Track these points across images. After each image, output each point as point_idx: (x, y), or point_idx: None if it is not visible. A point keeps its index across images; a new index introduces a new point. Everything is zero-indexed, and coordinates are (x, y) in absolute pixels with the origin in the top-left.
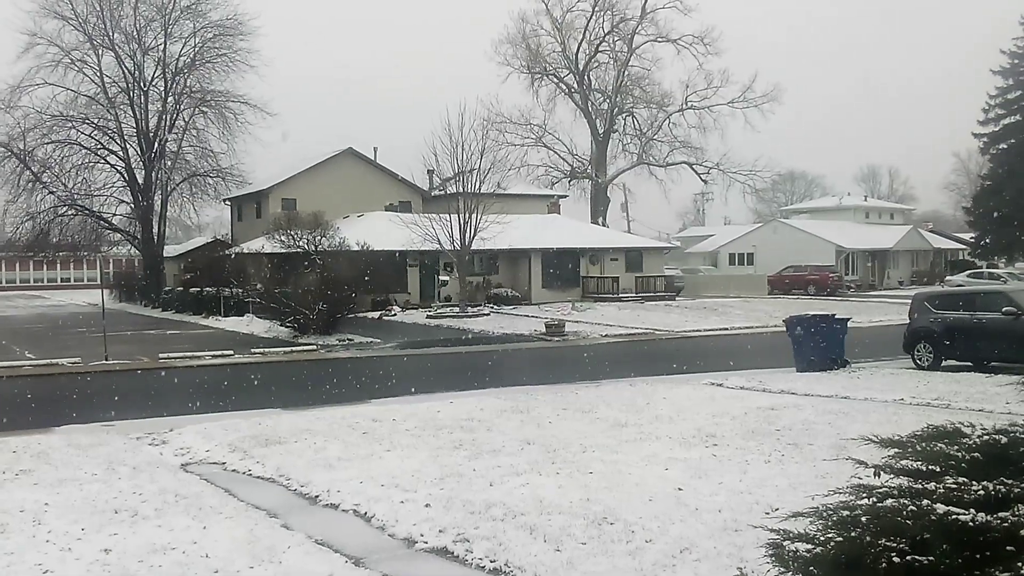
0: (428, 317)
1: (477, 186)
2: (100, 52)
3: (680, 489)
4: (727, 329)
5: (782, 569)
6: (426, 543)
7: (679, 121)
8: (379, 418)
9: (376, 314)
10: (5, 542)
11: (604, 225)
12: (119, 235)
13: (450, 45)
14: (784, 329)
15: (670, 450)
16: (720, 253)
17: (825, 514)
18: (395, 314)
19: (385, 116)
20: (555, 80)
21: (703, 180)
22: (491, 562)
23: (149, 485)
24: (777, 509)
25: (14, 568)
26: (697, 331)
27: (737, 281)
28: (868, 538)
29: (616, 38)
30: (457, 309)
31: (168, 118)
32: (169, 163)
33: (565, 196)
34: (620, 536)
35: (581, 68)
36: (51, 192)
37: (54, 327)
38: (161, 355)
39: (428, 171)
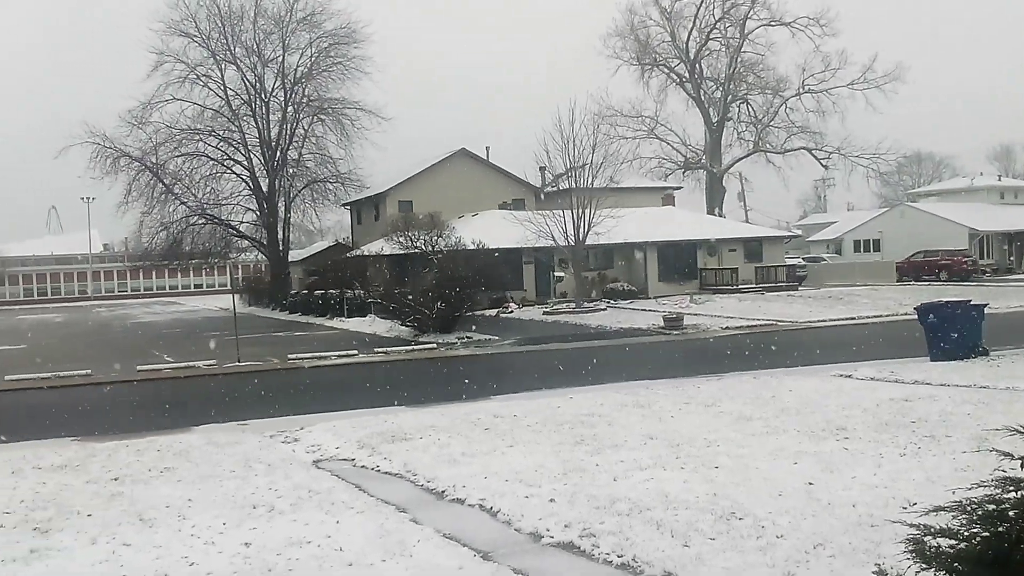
0: (545, 313)
1: (590, 181)
2: (223, 67)
3: (811, 483)
4: (854, 318)
5: (923, 566)
6: (552, 537)
7: (796, 106)
8: (500, 414)
9: (493, 312)
10: (153, 535)
11: (721, 215)
12: (247, 242)
13: (559, 41)
14: (915, 317)
15: (799, 443)
16: (844, 240)
17: (969, 508)
18: (512, 311)
19: (497, 115)
20: (666, 70)
21: (824, 165)
22: (618, 557)
23: (284, 481)
24: (915, 504)
25: (162, 560)
26: (822, 321)
27: (863, 268)
28: (1017, 533)
29: (727, 24)
30: (573, 305)
31: (288, 127)
32: (291, 171)
33: (679, 188)
34: (750, 531)
35: (692, 57)
36: (183, 203)
37: (189, 331)
38: (290, 356)
39: (540, 168)
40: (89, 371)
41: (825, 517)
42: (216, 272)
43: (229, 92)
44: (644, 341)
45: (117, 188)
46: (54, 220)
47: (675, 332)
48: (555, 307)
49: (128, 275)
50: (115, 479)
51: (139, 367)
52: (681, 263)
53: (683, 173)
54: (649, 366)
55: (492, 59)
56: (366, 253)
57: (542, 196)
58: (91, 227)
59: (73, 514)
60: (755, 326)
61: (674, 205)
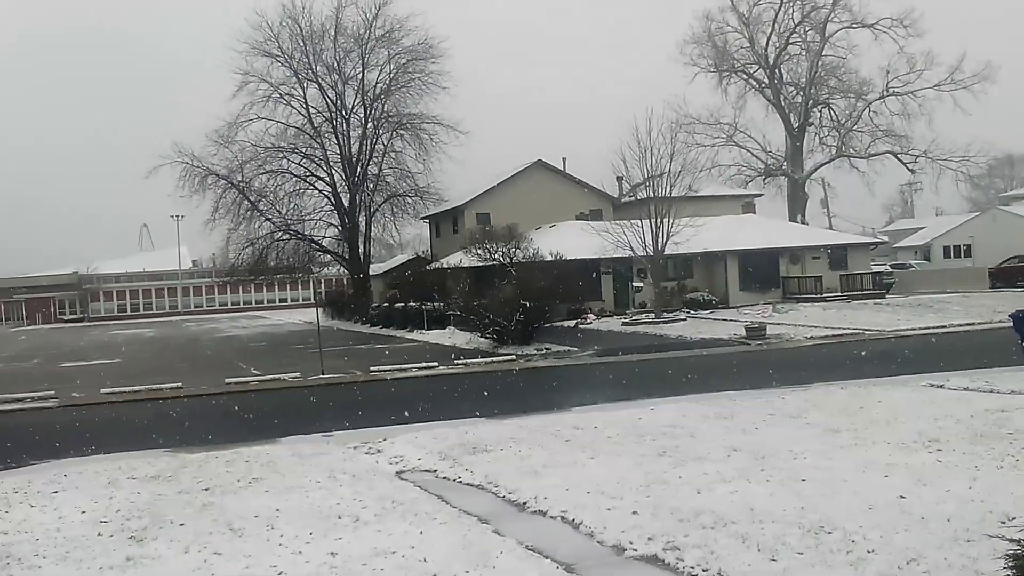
0: (623, 324)
1: (668, 190)
2: (305, 85)
3: (903, 497)
4: (944, 327)
5: None
6: (635, 550)
7: (880, 109)
8: (581, 426)
9: (572, 323)
10: (243, 545)
11: (803, 222)
12: (329, 256)
13: (635, 51)
14: (1010, 325)
15: (889, 456)
16: (933, 246)
17: None
18: (590, 322)
19: (573, 126)
20: (744, 76)
21: (910, 170)
22: (703, 571)
23: (368, 492)
24: (1014, 518)
25: (252, 569)
26: (911, 330)
27: (953, 275)
28: None
29: (807, 28)
30: (652, 315)
31: (368, 143)
32: (371, 186)
33: (760, 195)
34: (839, 546)
35: (771, 62)
36: (267, 219)
37: (274, 344)
38: (372, 368)
39: (617, 178)
40: (180, 384)
41: (918, 531)
42: (300, 286)
43: (311, 110)
44: (726, 352)
45: (205, 206)
46: (145, 238)
47: (757, 342)
48: (634, 318)
49: (216, 290)
50: (206, 489)
51: (227, 380)
52: (762, 272)
53: (763, 180)
54: (731, 377)
55: (568, 70)
56: (445, 266)
57: (619, 206)
58: (180, 244)
59: (167, 523)
60: (841, 335)
61: (754, 213)
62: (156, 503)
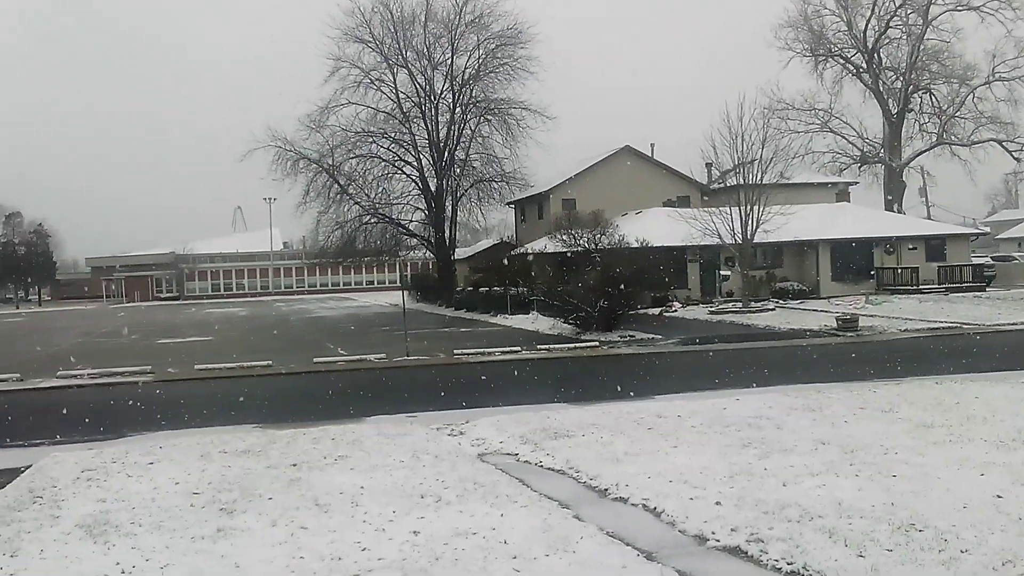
0: (710, 313)
1: (759, 177)
2: (395, 70)
3: (999, 496)
4: None
5: None
6: (718, 541)
7: (985, 95)
8: (664, 414)
9: (656, 310)
10: (328, 520)
11: (900, 212)
12: (415, 240)
13: (727, 34)
14: None
15: (986, 453)
16: None
17: None
18: (675, 310)
19: (662, 111)
20: (841, 61)
21: (1015, 158)
22: (788, 564)
23: (450, 473)
24: None
25: (336, 544)
26: (1012, 325)
27: None
28: None
29: (909, 11)
30: (740, 304)
31: (456, 128)
32: (458, 170)
33: (855, 183)
34: (931, 544)
35: (870, 46)
36: (356, 203)
37: (361, 326)
38: (456, 351)
39: (706, 164)
40: (270, 362)
41: (1015, 532)
42: (387, 269)
43: (400, 95)
44: (815, 343)
45: (296, 189)
46: (239, 219)
47: (849, 334)
48: (720, 306)
49: (305, 271)
50: (293, 465)
51: (315, 359)
52: (856, 262)
53: (859, 168)
54: (821, 369)
55: (658, 54)
56: (530, 251)
57: (708, 193)
58: (272, 226)
59: (255, 497)
60: (937, 329)
61: (849, 201)
62: (246, 477)
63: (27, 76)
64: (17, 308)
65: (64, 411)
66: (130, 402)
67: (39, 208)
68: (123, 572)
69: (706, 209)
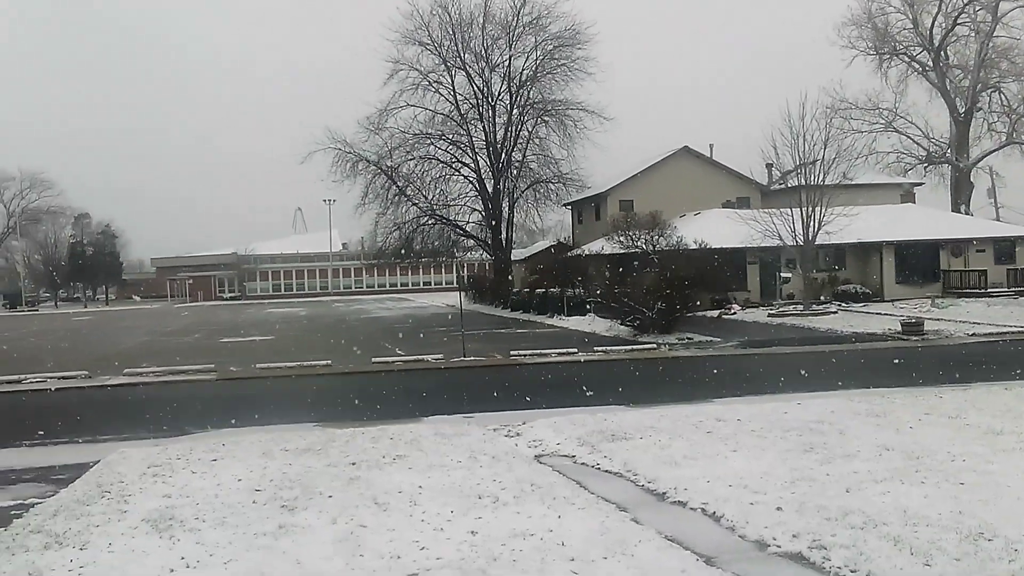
0: (769, 315)
1: (821, 177)
2: (453, 72)
3: None
4: None
5: None
6: (779, 547)
7: None
8: (723, 418)
9: (715, 313)
10: (387, 519)
11: (967, 213)
12: (472, 241)
13: (788, 34)
14: None
15: None
16: None
17: None
18: (734, 312)
19: (721, 111)
20: (906, 59)
21: None
22: (851, 572)
23: (507, 474)
24: None
25: (395, 543)
26: None
27: None
28: None
29: (978, 7)
30: (800, 307)
31: (513, 129)
32: (515, 172)
33: (920, 184)
34: (1000, 554)
35: (936, 44)
36: (414, 204)
37: (418, 326)
38: (512, 352)
39: (767, 165)
40: (329, 361)
41: None
42: (443, 270)
43: (458, 97)
44: (879, 347)
45: (355, 191)
46: (299, 221)
47: (914, 338)
48: (781, 309)
49: (364, 272)
50: (353, 464)
51: (374, 359)
52: (921, 264)
53: (924, 168)
54: (884, 373)
55: (716, 53)
56: (586, 252)
57: (768, 194)
58: (332, 227)
59: (316, 494)
60: (1007, 333)
61: (914, 202)
62: (306, 475)
63: (96, 83)
64: (85, 307)
65: (130, 408)
66: (194, 400)
67: (107, 210)
68: (188, 566)
69: (766, 210)
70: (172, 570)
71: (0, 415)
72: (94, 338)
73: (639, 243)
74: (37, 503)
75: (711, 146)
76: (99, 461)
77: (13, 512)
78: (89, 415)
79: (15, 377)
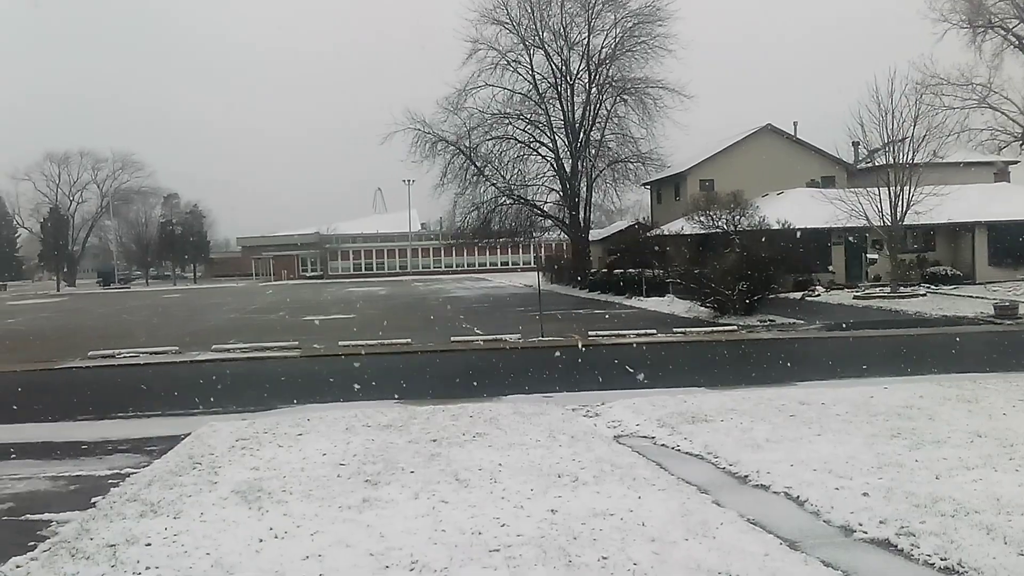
0: (855, 297)
1: (910, 156)
2: (532, 52)
3: None
4: None
5: None
6: (865, 533)
7: None
8: (806, 401)
9: (798, 294)
10: (468, 495)
11: None
12: (550, 221)
13: (875, 7)
14: None
15: None
16: None
17: None
18: (818, 294)
19: (805, 88)
20: (1001, 32)
21: None
22: (942, 560)
23: (586, 454)
24: None
25: (476, 519)
26: None
27: None
28: None
29: None
30: (887, 289)
31: (592, 108)
32: (593, 151)
33: (1015, 162)
34: None
35: None
36: (492, 184)
37: (496, 306)
38: (590, 333)
39: (853, 143)
40: (409, 340)
41: None
42: (521, 250)
43: (536, 76)
44: (970, 331)
45: (434, 171)
46: (379, 201)
47: (1008, 322)
48: (866, 291)
49: (442, 252)
50: (433, 440)
51: (452, 338)
52: (1016, 246)
53: (1020, 146)
54: (976, 358)
55: (801, 29)
56: (666, 232)
57: (854, 173)
58: (411, 207)
59: (398, 470)
60: None
61: (1008, 181)
62: (388, 450)
63: (181, 67)
64: (174, 284)
65: (218, 383)
66: (279, 376)
67: (195, 191)
68: (276, 537)
69: (852, 189)
70: (261, 540)
71: (96, 388)
72: (183, 315)
73: (720, 223)
74: (132, 473)
75: (795, 124)
76: (190, 434)
77: (110, 481)
78: (179, 389)
79: (110, 352)
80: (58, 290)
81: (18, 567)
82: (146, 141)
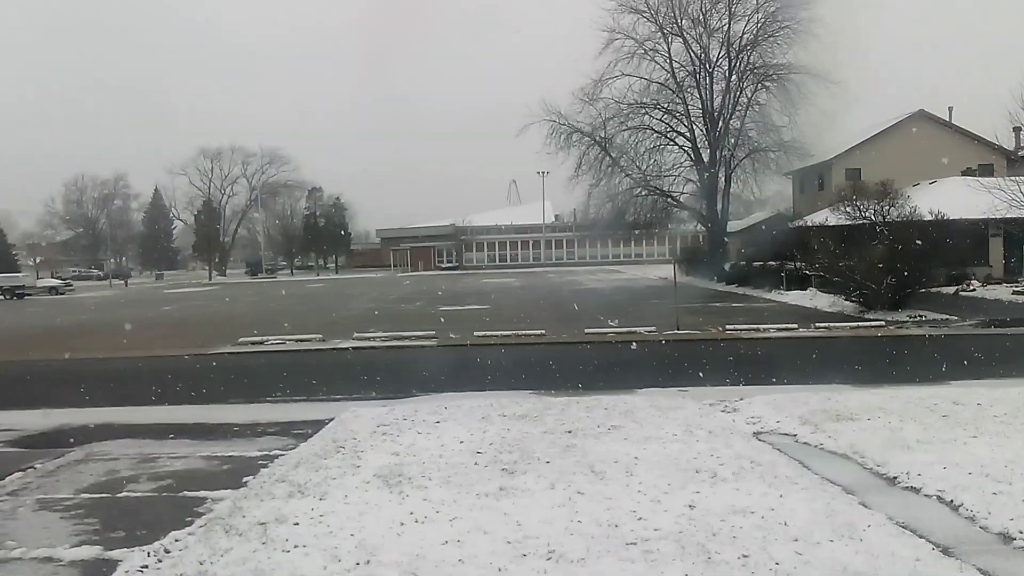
0: (1014, 293)
1: None
2: (670, 40)
3: None
4: None
5: None
6: None
7: None
8: (961, 401)
9: (951, 289)
10: (604, 487)
11: None
12: (686, 213)
13: None
14: None
15: None
16: None
17: None
18: (973, 289)
19: (960, 71)
20: None
21: None
22: None
23: (725, 450)
24: None
25: (612, 512)
26: None
27: None
28: None
29: None
30: None
31: (731, 96)
32: (732, 140)
33: None
34: None
35: None
36: (627, 175)
37: (631, 298)
38: (728, 327)
39: (1014, 129)
40: (543, 331)
41: None
42: (656, 242)
43: (674, 64)
44: None
45: (569, 162)
46: (514, 193)
47: None
48: None
49: (576, 244)
50: (568, 431)
51: (587, 330)
52: None
53: None
54: None
55: (954, 8)
56: (808, 224)
57: (1016, 160)
58: (544, 199)
59: (534, 459)
60: None
61: None
62: (524, 440)
63: (324, 64)
64: (317, 275)
65: (360, 370)
66: (416, 364)
67: (337, 184)
68: (416, 521)
69: (1014, 178)
70: (402, 523)
71: (245, 373)
72: (325, 304)
73: (867, 214)
74: (280, 455)
75: (950, 109)
76: (333, 419)
77: (260, 462)
78: (323, 375)
79: (259, 339)
80: (210, 279)
81: (177, 540)
82: (290, 137)
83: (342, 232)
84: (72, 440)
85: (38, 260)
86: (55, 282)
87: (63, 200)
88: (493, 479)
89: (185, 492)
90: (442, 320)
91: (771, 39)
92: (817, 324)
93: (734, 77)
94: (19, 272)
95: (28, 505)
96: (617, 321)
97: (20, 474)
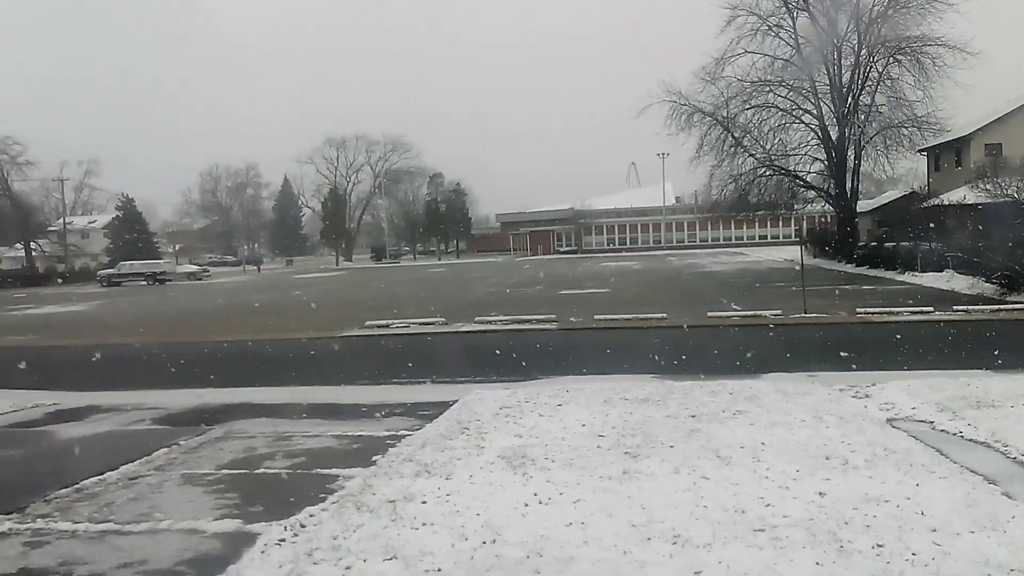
0: None
1: None
2: (795, 14)
3: None
4: None
5: None
6: None
7: None
8: None
9: None
10: (730, 472)
11: None
12: (813, 192)
13: None
14: None
15: None
16: None
17: None
18: None
19: None
20: None
21: None
22: None
23: (856, 436)
24: None
25: (739, 497)
26: None
27: None
28: None
29: None
30: None
31: (861, 71)
32: (862, 117)
33: None
34: None
35: None
36: (751, 155)
37: (754, 281)
38: (858, 309)
39: None
40: (664, 315)
41: None
42: (780, 223)
43: (800, 40)
44: None
45: (690, 143)
46: (632, 175)
47: None
48: None
49: (697, 226)
50: (692, 416)
51: (709, 313)
52: None
53: None
54: None
55: None
56: (945, 202)
57: None
58: (665, 181)
59: (657, 443)
60: None
61: None
62: (646, 424)
63: (451, 57)
64: (439, 259)
65: (482, 353)
66: (537, 348)
67: (458, 169)
68: (540, 503)
69: None
70: (527, 504)
71: (372, 355)
72: (447, 288)
73: (1009, 191)
74: (407, 435)
75: None
76: (457, 400)
77: (388, 442)
78: (447, 358)
79: (384, 322)
80: (337, 264)
81: (311, 516)
82: (411, 123)
83: (463, 217)
84: (212, 418)
85: (177, 247)
86: (193, 268)
87: (199, 189)
88: (616, 462)
89: (318, 469)
90: (562, 303)
91: (903, 10)
92: (954, 307)
93: (864, 51)
94: (160, 259)
95: (173, 480)
96: (741, 304)
97: (166, 450)
